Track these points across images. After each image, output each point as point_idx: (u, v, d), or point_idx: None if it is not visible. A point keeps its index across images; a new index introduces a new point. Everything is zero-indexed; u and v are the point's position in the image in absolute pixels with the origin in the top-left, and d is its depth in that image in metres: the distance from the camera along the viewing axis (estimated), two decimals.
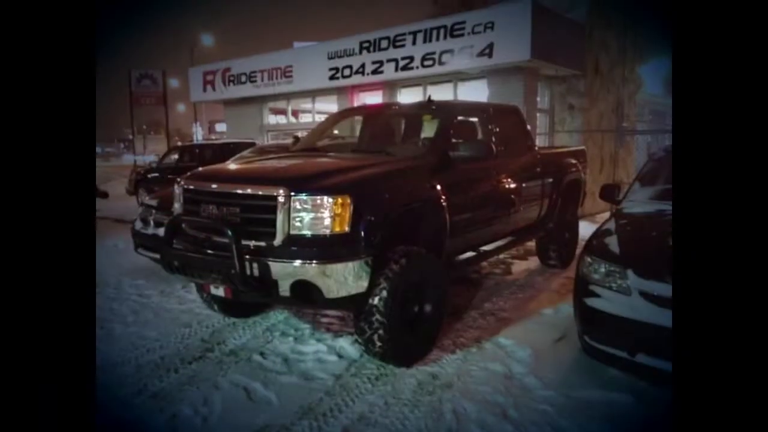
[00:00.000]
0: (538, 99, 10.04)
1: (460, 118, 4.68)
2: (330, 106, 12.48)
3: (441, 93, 10.03)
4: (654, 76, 13.81)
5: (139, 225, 5.84)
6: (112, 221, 10.97)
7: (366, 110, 6.17)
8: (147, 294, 5.33)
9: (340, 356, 3.75)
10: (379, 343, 3.34)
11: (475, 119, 4.88)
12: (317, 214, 3.16)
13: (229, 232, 3.13)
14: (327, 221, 3.16)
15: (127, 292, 5.40)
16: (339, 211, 3.15)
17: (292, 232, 3.18)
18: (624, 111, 11.69)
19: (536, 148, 5.72)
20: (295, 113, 14.21)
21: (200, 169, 3.98)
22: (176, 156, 12.76)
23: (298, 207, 3.17)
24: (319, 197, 3.16)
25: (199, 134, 31.04)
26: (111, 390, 3.28)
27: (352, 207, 3.16)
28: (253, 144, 10.79)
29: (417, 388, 3.26)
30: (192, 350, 3.89)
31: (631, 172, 12.29)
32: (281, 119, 14.55)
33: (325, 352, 3.82)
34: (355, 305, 3.37)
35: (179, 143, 29.45)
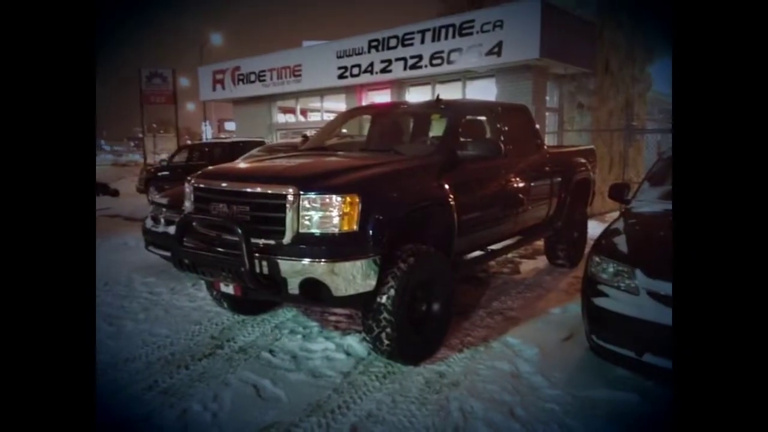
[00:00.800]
0: (547, 98, 10.01)
1: (468, 117, 4.68)
2: (338, 104, 12.53)
3: (449, 92, 10.04)
4: (664, 74, 13.72)
5: (149, 223, 5.90)
6: (123, 219, 11.10)
7: (375, 109, 6.18)
8: (157, 291, 5.39)
9: (348, 354, 3.78)
10: (386, 342, 3.36)
11: (483, 118, 4.89)
12: (326, 213, 3.18)
13: (239, 230, 3.17)
14: (335, 220, 3.18)
15: (138, 290, 5.46)
16: (347, 209, 3.17)
17: (301, 230, 3.21)
18: (634, 110, 11.61)
19: (545, 147, 5.71)
20: (303, 112, 14.27)
21: (211, 167, 4.02)
22: (186, 154, 12.85)
23: (307, 206, 3.19)
24: (327, 196, 3.18)
25: (208, 133, 31.21)
26: (122, 386, 3.33)
27: (360, 206, 3.18)
28: (262, 143, 10.85)
29: (424, 386, 3.28)
30: (202, 347, 3.94)
31: (641, 171, 12.21)
32: (290, 118, 14.61)
33: (333, 350, 3.85)
34: (363, 303, 3.39)
35: (189, 142, 29.63)
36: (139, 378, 3.45)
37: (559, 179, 5.65)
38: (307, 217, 3.20)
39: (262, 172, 3.79)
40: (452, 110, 4.64)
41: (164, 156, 18.41)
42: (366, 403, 3.09)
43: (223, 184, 3.56)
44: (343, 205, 3.17)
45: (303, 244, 3.19)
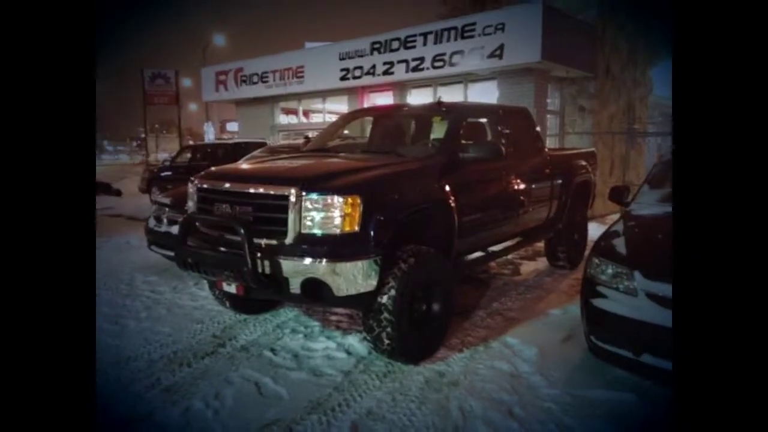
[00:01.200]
0: (549, 100, 10.04)
1: (469, 119, 4.72)
2: (340, 106, 12.58)
3: (451, 94, 10.07)
4: (665, 78, 13.75)
5: (152, 223, 5.94)
6: (126, 219, 11.15)
7: (376, 111, 6.23)
8: (159, 290, 5.42)
9: (348, 353, 3.81)
10: (387, 341, 3.40)
11: (484, 120, 4.92)
12: (328, 214, 3.22)
13: (242, 230, 3.20)
14: (337, 220, 3.21)
15: (140, 288, 5.51)
16: (349, 210, 3.21)
17: (303, 231, 3.24)
18: (635, 113, 11.65)
19: (546, 150, 5.74)
20: (305, 113, 14.31)
21: (213, 168, 4.06)
22: (189, 155, 12.91)
23: (309, 206, 3.23)
24: (329, 197, 3.22)
25: (210, 134, 31.30)
26: (124, 384, 3.37)
27: (362, 207, 3.22)
28: (263, 144, 10.90)
29: (424, 385, 3.31)
30: (204, 346, 3.97)
31: (642, 173, 12.25)
32: (292, 119, 14.66)
33: (334, 349, 3.88)
34: (364, 303, 3.42)
35: (191, 142, 29.74)
36: (141, 376, 3.48)
37: (560, 181, 5.68)
38: (309, 218, 3.24)
39: (264, 172, 3.83)
40: (454, 113, 4.67)
41: (166, 155, 18.51)
42: (366, 401, 3.12)
43: (226, 185, 3.60)
44: (344, 206, 3.20)
45: (305, 244, 3.23)
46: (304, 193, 3.24)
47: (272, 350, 3.87)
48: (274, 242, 3.30)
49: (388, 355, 3.53)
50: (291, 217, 3.24)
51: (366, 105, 11.25)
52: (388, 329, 3.36)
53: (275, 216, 3.32)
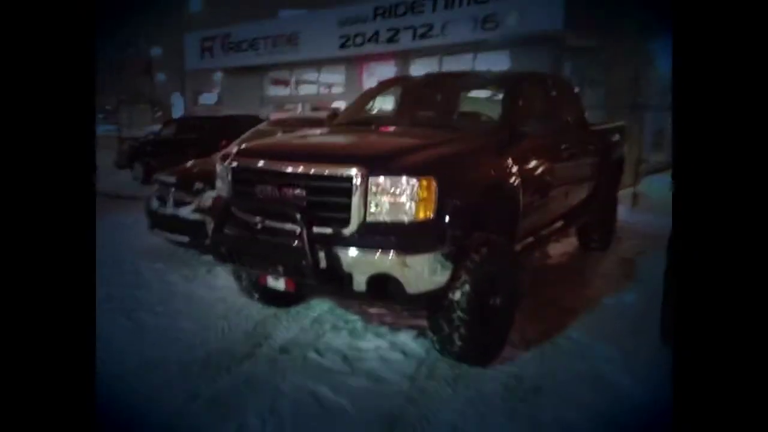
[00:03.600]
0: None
1: (525, 90, 4.26)
2: (337, 77, 11.95)
3: (458, 65, 9.57)
4: (665, 52, 13.50)
5: (155, 204, 5.40)
6: (107, 197, 10.38)
7: (416, 79, 5.70)
8: (170, 280, 4.88)
9: (404, 354, 3.39)
10: (459, 343, 3.00)
11: (537, 91, 4.48)
12: (398, 199, 2.78)
13: (300, 218, 2.74)
14: (409, 206, 2.78)
15: (148, 277, 4.96)
16: (423, 194, 2.77)
17: (369, 218, 2.80)
18: (639, 87, 11.36)
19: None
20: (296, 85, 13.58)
21: (252, 144, 3.54)
22: (174, 129, 12.14)
23: (377, 190, 2.78)
24: (401, 179, 2.77)
25: (179, 106, 29.63)
26: (158, 394, 2.90)
27: (437, 190, 2.79)
28: (255, 118, 10.17)
29: (505, 392, 2.93)
30: (237, 346, 3.51)
31: (642, 148, 12.06)
32: (280, 90, 13.90)
33: (387, 348, 3.45)
34: (434, 301, 3.00)
35: (159, 114, 28.40)
36: (176, 384, 3.01)
37: (601, 157, 5.32)
38: (375, 203, 2.79)
39: (318, 149, 3.34)
40: (510, 82, 4.22)
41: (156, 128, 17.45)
42: (446, 414, 2.72)
43: (271, 164, 3.10)
44: (418, 190, 2.76)
45: (371, 234, 2.79)
46: (371, 174, 2.77)
47: (317, 351, 3.43)
48: (329, 231, 2.85)
49: (457, 357, 3.13)
50: (355, 202, 2.79)
51: (365, 76, 10.67)
52: (461, 329, 2.96)
53: (334, 200, 2.86)
